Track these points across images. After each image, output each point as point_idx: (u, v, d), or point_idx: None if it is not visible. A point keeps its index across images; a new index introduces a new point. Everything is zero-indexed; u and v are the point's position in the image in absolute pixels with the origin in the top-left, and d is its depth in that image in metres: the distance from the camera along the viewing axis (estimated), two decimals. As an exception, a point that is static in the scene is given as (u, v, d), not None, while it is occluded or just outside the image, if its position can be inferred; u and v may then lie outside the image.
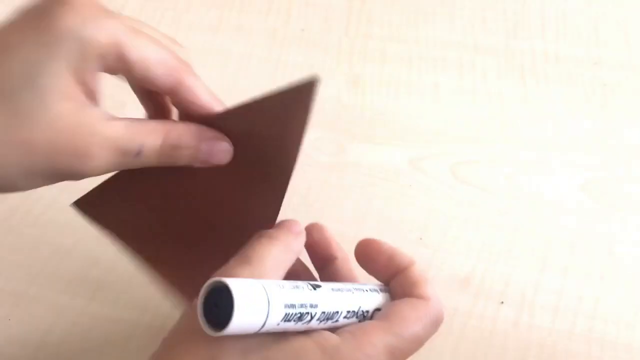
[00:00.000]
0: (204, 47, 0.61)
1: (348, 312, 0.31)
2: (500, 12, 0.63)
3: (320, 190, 0.49)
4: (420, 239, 0.46)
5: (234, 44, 0.61)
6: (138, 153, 0.31)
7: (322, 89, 0.58)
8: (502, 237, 0.46)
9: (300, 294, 0.28)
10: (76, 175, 0.30)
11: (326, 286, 0.30)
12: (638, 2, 0.63)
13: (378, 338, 0.29)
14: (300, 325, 0.28)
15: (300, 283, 0.29)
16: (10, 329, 0.43)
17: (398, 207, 0.48)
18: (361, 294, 0.32)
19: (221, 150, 0.33)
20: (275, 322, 0.27)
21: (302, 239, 0.34)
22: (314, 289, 0.29)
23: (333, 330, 0.30)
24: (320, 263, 0.37)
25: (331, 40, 0.61)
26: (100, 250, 0.47)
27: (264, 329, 0.27)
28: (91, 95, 0.30)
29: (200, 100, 0.32)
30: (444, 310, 0.32)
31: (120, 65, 0.30)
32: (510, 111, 0.55)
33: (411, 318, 0.31)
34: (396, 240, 0.46)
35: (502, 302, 0.43)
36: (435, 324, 0.32)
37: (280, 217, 0.48)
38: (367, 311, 0.32)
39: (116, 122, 0.30)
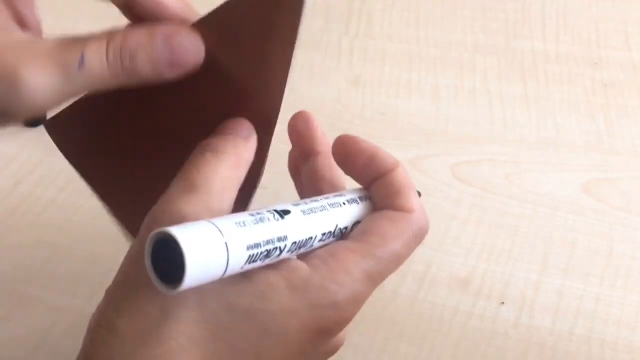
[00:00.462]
0: (204, 47, 0.61)
1: (323, 234, 0.27)
2: (500, 12, 0.63)
3: (320, 190, 0.49)
4: (420, 239, 0.46)
5: (233, 43, 0.61)
6: (81, 64, 0.25)
7: (322, 89, 0.59)
8: (502, 237, 0.46)
9: (265, 228, 0.24)
10: (15, 108, 0.24)
11: (296, 210, 0.26)
12: (638, 2, 0.63)
13: (354, 264, 0.26)
14: (268, 261, 0.25)
15: (265, 213, 0.25)
16: (9, 329, 0.43)
17: (398, 207, 0.48)
18: (337, 209, 0.28)
19: (185, 45, 0.26)
20: (237, 266, 0.23)
21: (253, 142, 0.29)
22: (282, 216, 0.25)
23: (305, 254, 0.27)
24: (302, 157, 0.32)
25: (331, 40, 0.61)
26: (100, 249, 0.46)
27: (226, 275, 0.23)
28: (23, 23, 0.27)
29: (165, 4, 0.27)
30: (427, 221, 0.29)
31: None
32: (510, 111, 0.54)
33: (391, 236, 0.27)
34: (396, 240, 0.46)
35: (502, 302, 0.43)
36: (417, 239, 0.28)
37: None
38: (346, 227, 0.28)
39: (49, 39, 0.25)
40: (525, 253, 0.45)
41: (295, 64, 0.64)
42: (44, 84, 0.24)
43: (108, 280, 0.45)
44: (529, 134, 0.53)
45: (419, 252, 0.45)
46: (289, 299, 0.25)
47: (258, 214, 0.25)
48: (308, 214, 0.27)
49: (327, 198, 0.28)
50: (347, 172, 0.31)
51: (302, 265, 0.26)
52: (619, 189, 0.49)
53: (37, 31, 0.26)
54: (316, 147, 0.32)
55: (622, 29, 0.60)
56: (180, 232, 0.22)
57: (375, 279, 0.27)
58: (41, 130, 0.54)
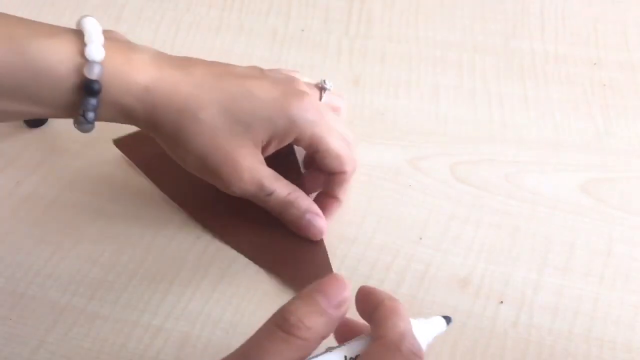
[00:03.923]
0: (205, 48, 0.61)
1: None
2: (499, 12, 0.63)
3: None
4: (420, 238, 0.46)
5: (234, 44, 0.61)
6: (270, 194, 0.43)
7: (322, 89, 0.58)
8: (501, 236, 0.46)
9: None
10: (225, 183, 0.42)
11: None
12: (637, 3, 0.63)
13: None
14: None
15: None
16: (10, 329, 0.43)
17: (398, 207, 0.48)
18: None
19: (318, 226, 0.45)
20: None
21: (335, 318, 0.31)
22: None
23: None
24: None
25: (331, 40, 0.61)
26: (100, 250, 0.47)
27: None
28: (263, 152, 0.43)
29: (341, 188, 0.46)
30: (412, 343, 0.31)
31: (309, 149, 0.44)
32: (509, 111, 0.55)
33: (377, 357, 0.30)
34: (396, 240, 0.46)
35: (502, 302, 0.43)
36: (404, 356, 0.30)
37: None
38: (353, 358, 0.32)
39: (266, 168, 0.43)
40: (524, 253, 0.46)
41: (295, 64, 0.64)
42: (247, 183, 0.42)
43: (108, 280, 0.45)
44: (528, 134, 0.53)
45: (419, 251, 0.46)
46: None
47: None
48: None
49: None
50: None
51: None
52: (618, 189, 0.49)
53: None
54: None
55: (621, 30, 0.61)
56: None
57: None
58: (43, 130, 0.55)
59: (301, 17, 0.63)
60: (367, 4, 0.64)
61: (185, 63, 0.42)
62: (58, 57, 0.38)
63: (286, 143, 0.44)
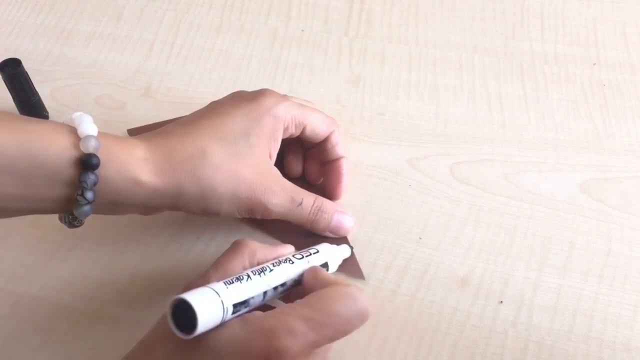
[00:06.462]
0: (205, 48, 0.61)
1: (275, 288, 0.37)
2: (499, 13, 0.63)
3: (320, 190, 0.50)
4: (420, 238, 0.47)
5: (234, 44, 0.61)
6: (300, 204, 0.43)
7: (322, 89, 0.59)
8: (501, 236, 0.47)
9: (245, 288, 0.35)
10: (262, 206, 0.42)
11: (272, 274, 0.37)
12: (636, 3, 0.63)
13: (294, 310, 0.34)
14: (244, 310, 0.35)
15: (243, 274, 0.36)
16: (11, 328, 0.43)
17: (397, 207, 0.48)
18: (289, 266, 0.38)
19: (347, 224, 0.46)
20: (228, 317, 0.34)
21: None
22: (258, 274, 0.36)
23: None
24: None
25: (331, 41, 0.61)
26: (101, 249, 0.47)
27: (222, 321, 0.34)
28: (271, 157, 0.44)
29: (339, 146, 0.48)
30: (366, 299, 0.35)
31: (298, 129, 0.45)
32: (509, 111, 0.55)
33: (327, 296, 0.35)
34: (396, 240, 0.47)
35: (501, 301, 0.43)
36: (355, 304, 0.35)
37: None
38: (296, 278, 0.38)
39: (287, 180, 0.44)
40: (523, 252, 0.46)
41: (295, 64, 0.64)
42: (281, 203, 0.43)
43: (108, 280, 0.45)
44: (528, 134, 0.53)
45: (418, 251, 0.46)
46: (238, 327, 0.34)
47: (238, 275, 0.36)
48: (271, 271, 0.37)
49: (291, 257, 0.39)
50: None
51: (260, 312, 0.35)
52: (617, 189, 0.49)
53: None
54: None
55: (620, 30, 0.61)
56: (192, 297, 0.32)
57: (314, 326, 0.33)
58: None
59: (301, 17, 0.64)
60: (367, 4, 0.64)
61: (162, 130, 0.42)
62: (52, 136, 0.36)
63: (280, 140, 0.44)
